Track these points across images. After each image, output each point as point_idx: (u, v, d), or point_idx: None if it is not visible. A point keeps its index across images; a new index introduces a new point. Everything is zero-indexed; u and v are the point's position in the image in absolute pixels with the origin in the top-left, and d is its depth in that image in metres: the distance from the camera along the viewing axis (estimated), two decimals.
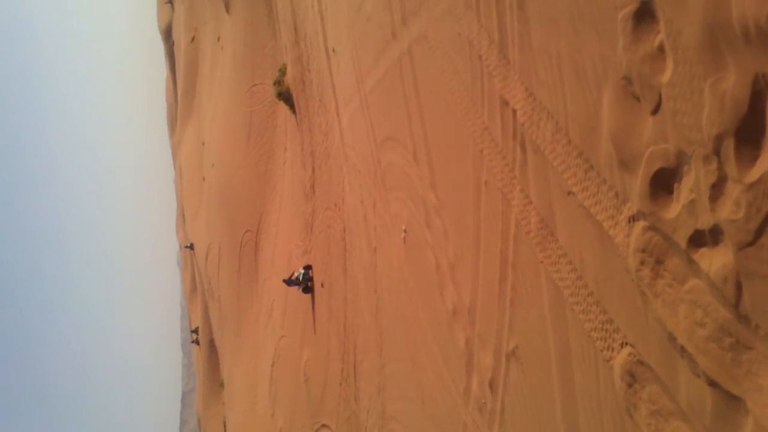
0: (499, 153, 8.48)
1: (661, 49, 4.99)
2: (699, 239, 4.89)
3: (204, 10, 51.43)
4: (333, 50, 19.01)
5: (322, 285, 23.96)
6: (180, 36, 66.93)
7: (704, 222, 4.77)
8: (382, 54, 13.79)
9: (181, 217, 74.20)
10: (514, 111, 7.87)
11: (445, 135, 10.69)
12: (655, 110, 5.15)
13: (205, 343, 56.43)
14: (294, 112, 28.61)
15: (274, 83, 29.74)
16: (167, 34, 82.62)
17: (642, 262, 5.58)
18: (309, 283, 27.18)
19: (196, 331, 64.21)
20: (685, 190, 4.95)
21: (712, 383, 4.85)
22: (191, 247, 65.64)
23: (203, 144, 51.49)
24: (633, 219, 5.69)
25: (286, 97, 28.72)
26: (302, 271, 27.16)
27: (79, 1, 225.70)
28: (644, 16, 5.16)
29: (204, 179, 50.58)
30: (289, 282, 27.83)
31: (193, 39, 58.16)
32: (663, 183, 5.22)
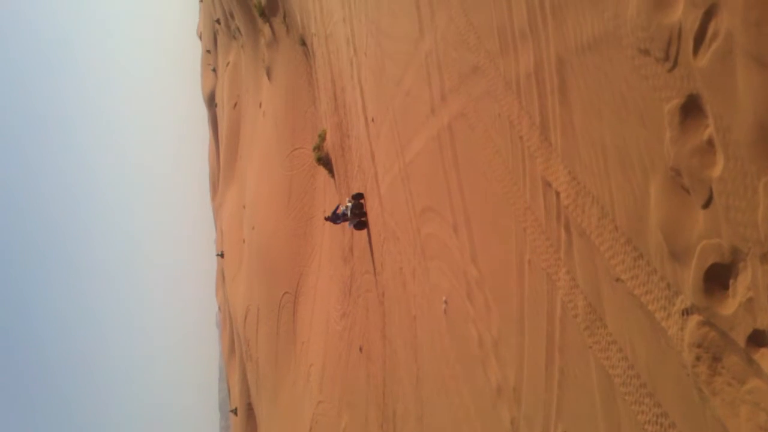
0: (543, 233, 8.38)
1: (710, 143, 4.91)
2: (759, 339, 4.69)
3: (247, 78, 53.21)
4: (372, 120, 19.35)
5: (360, 350, 23.72)
6: (223, 102, 69.13)
7: (764, 322, 4.58)
8: (421, 127, 13.96)
9: (221, 278, 74.99)
10: (558, 193, 7.81)
11: (485, 210, 10.66)
12: (707, 204, 5.03)
13: (242, 406, 56.06)
14: (333, 176, 29.04)
15: (314, 148, 30.36)
16: (211, 101, 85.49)
17: (698, 358, 5.37)
18: (363, 218, 21.48)
19: (235, 411, 63.88)
20: (741, 287, 4.78)
21: None
22: (222, 255, 67.14)
23: (244, 207, 52.40)
24: (687, 312, 5.51)
25: (325, 161, 29.26)
26: (349, 204, 21.61)
27: (128, 69, 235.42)
28: (692, 109, 5.10)
29: (244, 241, 51.27)
30: (334, 218, 22.84)
31: (235, 105, 60.02)
32: (717, 278, 5.06)
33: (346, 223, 23.12)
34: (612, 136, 6.40)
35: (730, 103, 4.62)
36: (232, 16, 56.19)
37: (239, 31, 53.46)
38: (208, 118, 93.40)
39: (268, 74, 41.93)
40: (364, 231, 21.91)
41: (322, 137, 29.29)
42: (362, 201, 20.99)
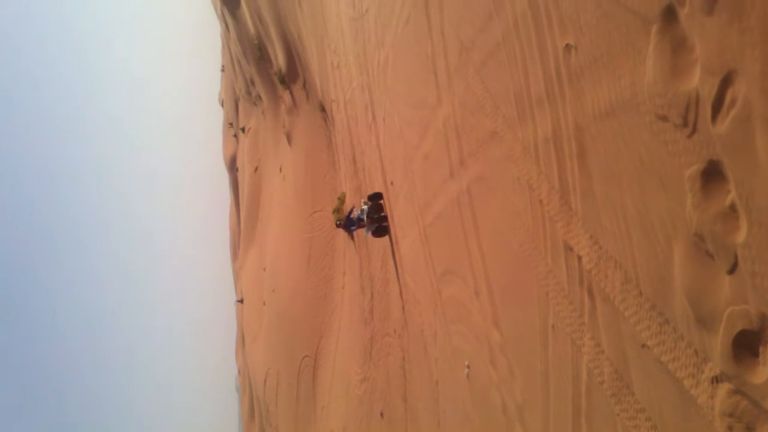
0: (566, 298, 8.31)
1: (733, 208, 4.89)
2: None
3: (267, 143, 54.29)
4: (392, 183, 19.54)
5: (381, 415, 23.27)
6: (244, 166, 70.40)
7: None
8: (440, 190, 14.07)
9: (241, 341, 74.66)
10: (579, 257, 7.77)
11: (507, 274, 10.60)
12: (732, 270, 4.98)
13: None
14: (352, 239, 29.15)
15: (334, 211, 30.65)
16: (232, 165, 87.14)
17: (730, 428, 5.21)
18: (383, 223, 17.64)
19: None
20: None
21: None
22: (242, 301, 67.44)
23: (264, 269, 52.57)
24: (716, 380, 5.38)
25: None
26: (365, 207, 17.74)
27: (150, 134, 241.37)
28: (713, 175, 5.10)
29: (264, 304, 51.23)
30: (348, 224, 18.60)
31: (256, 169, 61.05)
32: (747, 345, 4.95)
33: (366, 287, 23.00)
34: (633, 200, 6.40)
35: (752, 169, 4.62)
36: (252, 83, 57.77)
37: (260, 97, 54.84)
38: (229, 182, 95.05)
39: (288, 139, 42.75)
40: (390, 291, 21.50)
41: (342, 200, 29.61)
42: (381, 202, 17.35)
